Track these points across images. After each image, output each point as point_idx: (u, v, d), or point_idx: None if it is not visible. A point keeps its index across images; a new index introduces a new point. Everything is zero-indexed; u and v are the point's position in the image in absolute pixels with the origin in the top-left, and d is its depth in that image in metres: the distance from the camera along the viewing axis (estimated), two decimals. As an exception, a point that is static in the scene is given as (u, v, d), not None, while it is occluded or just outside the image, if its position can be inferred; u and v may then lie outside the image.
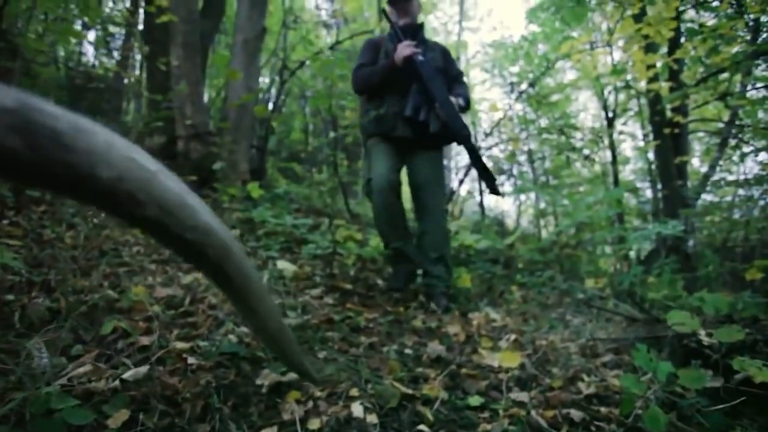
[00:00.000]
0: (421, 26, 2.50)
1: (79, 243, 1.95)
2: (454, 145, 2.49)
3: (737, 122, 7.04)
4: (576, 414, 1.22)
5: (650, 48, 5.87)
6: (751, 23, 6.18)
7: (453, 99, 2.34)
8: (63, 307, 1.34)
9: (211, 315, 1.56)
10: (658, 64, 6.36)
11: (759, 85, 6.58)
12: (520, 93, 6.89)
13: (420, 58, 2.27)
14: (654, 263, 3.53)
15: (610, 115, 9.98)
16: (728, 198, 7.41)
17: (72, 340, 1.24)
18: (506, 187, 9.77)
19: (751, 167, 8.36)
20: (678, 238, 4.66)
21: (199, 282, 1.85)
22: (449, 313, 2.19)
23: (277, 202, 4.01)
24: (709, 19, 7.69)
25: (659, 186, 7.07)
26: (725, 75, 6.38)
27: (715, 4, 7.26)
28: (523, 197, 11.04)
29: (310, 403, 1.16)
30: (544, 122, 10.29)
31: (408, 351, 1.62)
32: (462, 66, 14.05)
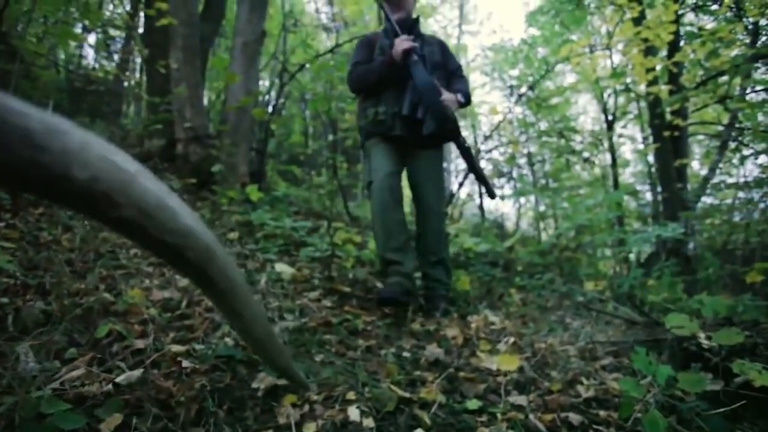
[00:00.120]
0: (416, 20, 2.44)
1: (75, 246, 1.94)
2: (454, 147, 2.44)
3: (737, 125, 7.03)
4: (575, 417, 1.21)
5: (650, 51, 5.88)
6: (750, 26, 6.19)
7: (452, 95, 2.28)
8: (58, 310, 1.33)
9: (207, 318, 1.55)
10: (658, 67, 6.37)
11: (758, 88, 6.58)
12: (520, 96, 6.89)
13: (414, 57, 2.20)
14: (654, 266, 3.51)
15: (610, 118, 9.99)
16: (728, 201, 7.40)
17: (66, 343, 1.23)
18: (506, 190, 9.77)
19: (751, 170, 8.37)
20: (678, 240, 4.65)
21: (196, 285, 1.84)
22: (448, 316, 2.18)
23: (277, 205, 4.01)
24: (708, 23, 7.71)
25: (659, 189, 7.07)
26: (725, 78, 6.39)
27: (714, 7, 7.28)
28: (522, 200, 11.04)
29: (306, 407, 1.14)
30: (543, 125, 10.30)
31: (406, 354, 1.61)
32: (466, 73, 14.03)
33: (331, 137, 5.70)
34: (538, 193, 7.56)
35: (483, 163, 9.90)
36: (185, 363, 1.19)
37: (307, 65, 5.30)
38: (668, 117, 6.40)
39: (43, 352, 1.08)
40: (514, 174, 9.87)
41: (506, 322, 2.16)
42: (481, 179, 2.40)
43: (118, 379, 1.04)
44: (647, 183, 10.36)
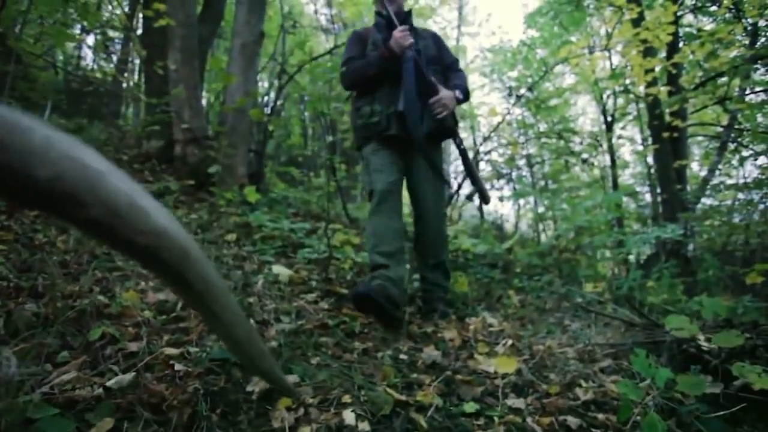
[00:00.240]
0: (408, 13, 2.36)
1: (70, 247, 1.93)
2: (454, 149, 2.41)
3: (736, 126, 7.03)
4: (573, 421, 1.20)
5: (648, 52, 5.88)
6: (749, 27, 6.19)
7: (449, 93, 2.20)
8: (51, 312, 1.32)
9: (202, 320, 1.53)
10: (657, 69, 6.37)
11: (758, 89, 6.58)
12: (519, 97, 6.88)
13: (410, 52, 2.12)
14: (653, 267, 3.50)
15: (609, 119, 9.99)
16: (728, 202, 7.40)
17: (59, 346, 1.21)
18: (505, 191, 9.76)
19: (750, 171, 8.36)
20: (677, 242, 4.64)
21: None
22: (446, 318, 2.16)
23: (275, 206, 4.00)
24: (708, 24, 7.71)
25: (658, 190, 7.06)
26: (724, 79, 6.38)
27: (713, 8, 7.28)
28: (522, 201, 11.03)
29: (301, 410, 1.13)
30: (543, 127, 10.30)
31: (403, 356, 1.60)
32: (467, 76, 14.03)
33: (330, 138, 5.69)
34: (537, 195, 7.55)
35: (482, 165, 9.90)
36: (178, 366, 1.17)
37: (306, 66, 5.29)
38: (667, 118, 6.40)
39: (30, 356, 1.06)
40: (513, 175, 9.86)
41: (504, 323, 2.15)
42: (476, 182, 2.35)
43: (109, 383, 1.02)
44: (646, 184, 10.35)
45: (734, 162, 8.35)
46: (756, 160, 7.48)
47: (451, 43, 13.86)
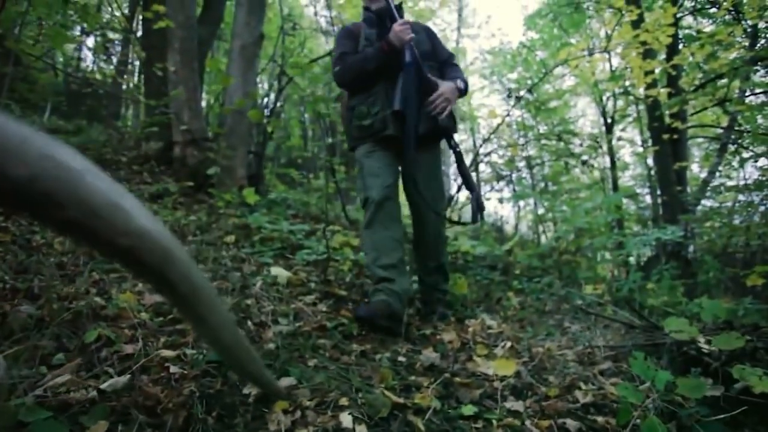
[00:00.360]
0: (399, 6, 2.22)
1: (67, 249, 1.92)
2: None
3: (736, 128, 7.03)
4: (572, 424, 1.19)
5: (648, 54, 5.88)
6: (749, 29, 6.19)
7: (450, 84, 2.10)
8: (46, 314, 1.31)
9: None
10: (657, 70, 6.37)
11: (758, 90, 6.58)
12: (518, 99, 6.88)
13: (410, 47, 2.02)
14: (653, 269, 3.49)
15: (609, 121, 9.99)
16: (728, 204, 7.39)
17: (54, 348, 1.21)
18: (505, 193, 9.76)
19: (750, 173, 8.35)
20: (678, 243, 4.63)
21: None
22: (445, 320, 2.15)
23: (274, 208, 3.99)
24: (707, 26, 7.72)
25: (658, 192, 7.05)
26: (724, 81, 6.38)
27: (712, 10, 7.28)
28: (522, 203, 11.03)
29: (298, 413, 1.12)
30: (542, 128, 10.30)
31: (401, 359, 1.59)
32: (464, 74, 14.06)
33: (329, 140, 5.69)
34: (537, 197, 7.54)
35: (482, 166, 9.90)
36: (174, 368, 1.16)
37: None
38: (667, 120, 6.39)
39: (24, 359, 1.05)
40: (513, 177, 9.85)
41: (504, 326, 2.14)
42: (471, 189, 2.20)
43: (103, 386, 1.01)
44: (647, 186, 10.35)
45: (734, 163, 8.35)
46: (756, 161, 7.47)
47: (450, 45, 13.87)
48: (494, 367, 1.49)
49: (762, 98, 6.88)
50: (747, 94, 6.67)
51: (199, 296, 0.43)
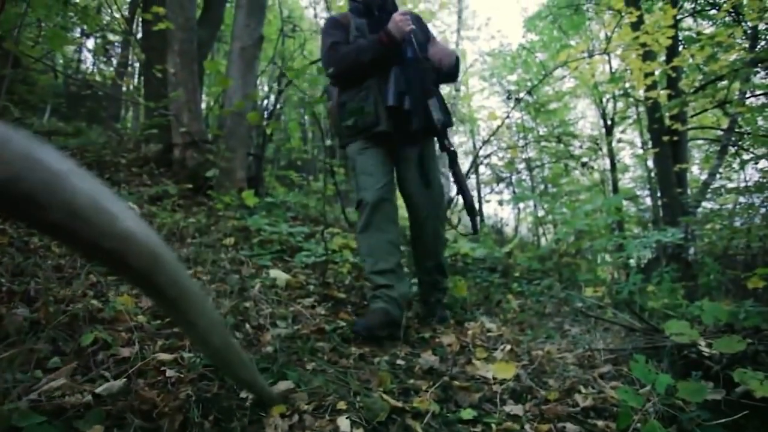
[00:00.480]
0: None
1: (65, 251, 1.91)
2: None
3: (737, 129, 7.02)
4: (572, 428, 1.18)
5: (648, 56, 5.87)
6: (749, 31, 6.19)
7: (444, 47, 2.03)
8: (43, 317, 1.30)
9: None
10: (657, 72, 6.37)
11: (758, 92, 6.58)
12: (518, 100, 6.88)
13: (410, 39, 1.95)
14: (654, 272, 3.48)
15: (609, 122, 9.99)
16: (729, 206, 7.38)
17: (50, 352, 1.20)
18: (505, 195, 9.75)
19: (751, 174, 8.35)
20: (678, 246, 4.62)
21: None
22: (444, 323, 2.14)
23: (274, 210, 3.98)
24: (707, 27, 7.72)
25: (659, 194, 7.05)
26: (724, 82, 6.38)
27: (712, 12, 7.28)
28: (521, 205, 11.02)
29: (296, 417, 1.11)
30: (542, 130, 10.30)
31: (400, 362, 1.58)
32: (460, 75, 14.08)
33: (329, 142, 5.68)
34: (537, 199, 7.53)
35: (482, 168, 9.89)
36: (170, 372, 1.15)
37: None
38: (667, 122, 6.39)
39: (19, 362, 1.05)
40: (513, 179, 9.85)
41: (503, 328, 2.13)
42: (464, 194, 2.08)
43: (98, 390, 1.00)
44: (647, 188, 10.34)
45: (735, 165, 8.35)
46: (757, 163, 7.48)
47: (450, 48, 13.87)
48: (493, 370, 1.48)
49: (762, 100, 6.88)
50: (747, 95, 6.67)
51: (188, 300, 0.42)
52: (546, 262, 4.03)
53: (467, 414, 1.21)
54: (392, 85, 1.95)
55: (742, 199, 7.07)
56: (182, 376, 1.17)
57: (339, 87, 2.13)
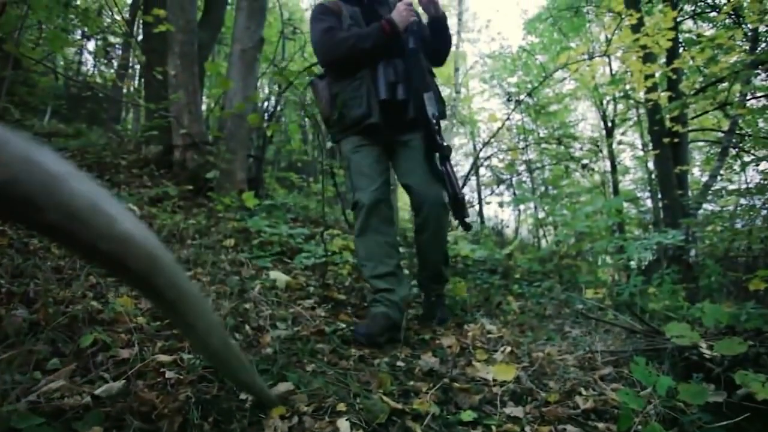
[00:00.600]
0: None
1: (65, 253, 1.91)
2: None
3: (737, 131, 7.02)
4: (572, 430, 1.17)
5: (648, 58, 5.88)
6: (749, 33, 6.19)
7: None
8: (42, 318, 1.30)
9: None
10: (657, 74, 6.37)
11: (759, 94, 6.58)
12: (518, 102, 6.89)
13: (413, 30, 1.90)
14: (655, 274, 3.48)
15: (609, 124, 9.99)
16: (730, 207, 7.37)
17: (49, 353, 1.19)
18: (505, 197, 9.75)
19: (752, 176, 8.35)
20: (679, 248, 4.61)
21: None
22: (444, 324, 2.14)
23: (274, 212, 3.98)
24: (707, 29, 7.73)
25: (659, 195, 7.05)
26: (724, 84, 6.38)
27: (712, 14, 7.29)
28: (522, 207, 11.02)
29: (295, 419, 1.11)
30: (543, 132, 10.31)
31: (400, 363, 1.57)
32: (461, 77, 14.12)
33: (329, 144, 5.68)
34: (538, 200, 7.53)
35: (482, 170, 9.89)
36: (170, 374, 1.15)
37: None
38: (668, 123, 6.39)
39: (17, 363, 1.04)
40: (514, 181, 9.85)
41: (504, 330, 2.12)
42: (456, 195, 1.97)
43: (98, 391, 1.00)
44: (647, 190, 10.34)
45: (736, 167, 8.35)
46: (758, 165, 7.47)
47: (450, 49, 13.88)
48: (494, 372, 1.47)
49: (763, 102, 6.88)
50: (748, 97, 6.68)
51: (187, 302, 0.42)
52: (546, 264, 4.02)
53: (467, 416, 1.20)
54: (381, 77, 1.90)
55: (743, 201, 7.07)
56: (182, 377, 1.16)
57: (331, 77, 2.04)
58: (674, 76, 6.35)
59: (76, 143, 4.70)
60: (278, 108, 6.93)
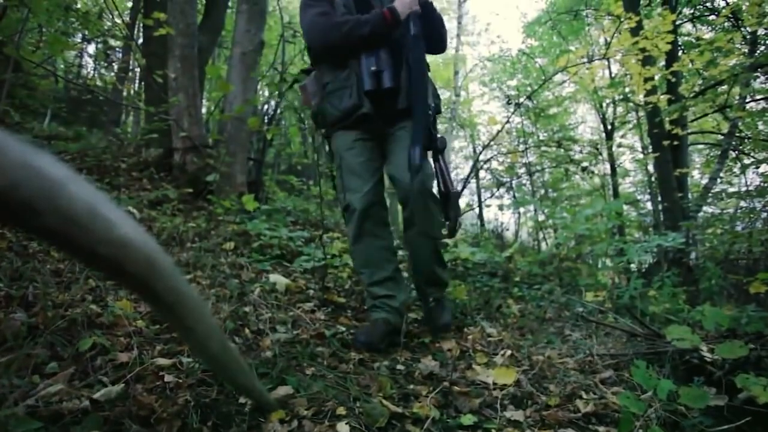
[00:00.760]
0: None
1: (64, 256, 1.90)
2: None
3: (737, 134, 7.03)
4: (573, 434, 1.17)
5: (647, 61, 5.89)
6: (748, 36, 6.20)
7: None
8: (41, 322, 1.29)
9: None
10: (656, 77, 6.38)
11: (758, 97, 6.59)
12: (518, 105, 6.89)
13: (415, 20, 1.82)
14: (655, 276, 3.47)
15: (609, 127, 10.00)
16: (730, 210, 7.37)
17: (48, 357, 1.19)
18: (505, 199, 9.75)
19: (752, 179, 8.35)
20: (679, 250, 4.60)
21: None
22: (444, 332, 2.11)
23: (274, 215, 3.98)
24: (706, 33, 7.74)
25: (659, 198, 7.04)
26: (724, 87, 6.39)
27: (711, 17, 7.31)
28: (522, 209, 11.02)
29: (295, 423, 1.11)
30: (542, 135, 10.32)
31: (400, 367, 1.57)
32: (460, 80, 14.15)
33: (328, 148, 5.67)
34: (537, 203, 7.53)
35: (482, 173, 9.89)
36: (168, 377, 1.15)
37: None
38: (667, 126, 6.40)
39: (15, 367, 1.04)
40: (513, 184, 9.85)
41: (504, 333, 2.12)
42: (447, 194, 1.88)
43: (96, 395, 1.00)
44: (647, 192, 10.34)
45: (736, 170, 8.35)
46: (758, 168, 7.48)
47: (450, 53, 13.93)
48: (494, 375, 1.47)
49: (762, 104, 6.89)
50: (747, 100, 6.69)
51: (186, 306, 0.41)
52: (546, 267, 4.02)
53: (467, 420, 1.20)
54: (364, 67, 1.82)
55: (743, 204, 7.06)
56: (181, 381, 1.16)
57: (322, 64, 1.96)
58: (673, 79, 6.36)
59: (76, 146, 4.70)
60: (278, 111, 6.94)
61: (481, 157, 7.82)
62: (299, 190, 7.15)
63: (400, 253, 3.03)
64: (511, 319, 2.51)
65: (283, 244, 3.11)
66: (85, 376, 1.14)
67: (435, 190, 1.90)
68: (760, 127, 8.29)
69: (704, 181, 8.16)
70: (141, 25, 6.68)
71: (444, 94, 13.50)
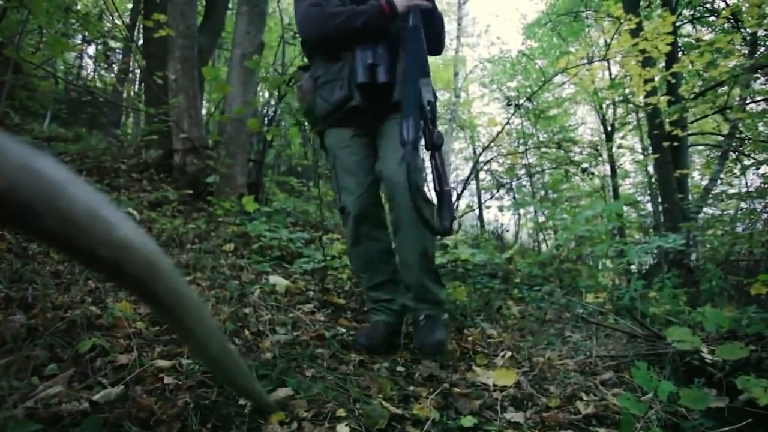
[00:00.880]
0: None
1: (64, 258, 1.90)
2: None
3: (737, 135, 7.03)
4: (573, 436, 1.16)
5: (647, 62, 5.89)
6: (748, 37, 6.21)
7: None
8: (40, 323, 1.29)
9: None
10: (656, 78, 6.38)
11: (758, 98, 6.59)
12: (518, 107, 6.90)
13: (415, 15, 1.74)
14: (655, 278, 3.47)
15: (609, 128, 10.01)
16: (730, 211, 7.37)
17: (47, 358, 1.19)
18: (505, 201, 9.75)
19: (752, 180, 8.35)
20: (680, 251, 4.60)
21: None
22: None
23: (274, 216, 3.98)
24: (706, 34, 7.75)
25: (660, 199, 7.04)
26: (724, 88, 6.40)
27: (711, 19, 7.31)
28: (522, 211, 11.02)
29: (295, 425, 1.10)
30: (542, 136, 10.32)
31: (400, 368, 1.57)
32: (460, 81, 14.16)
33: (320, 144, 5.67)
34: (537, 205, 7.53)
35: (482, 174, 9.89)
36: (168, 379, 1.14)
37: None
38: (668, 127, 6.40)
39: (15, 369, 1.04)
40: (513, 185, 9.85)
41: (504, 335, 2.11)
42: (441, 194, 1.68)
43: (96, 397, 1.00)
44: (647, 194, 10.34)
45: (736, 171, 8.35)
46: (758, 169, 7.48)
47: (450, 54, 13.95)
48: (494, 377, 1.47)
49: (762, 105, 6.89)
50: (747, 101, 6.69)
51: (186, 308, 0.41)
52: (547, 268, 4.01)
53: (468, 421, 1.20)
54: (359, 60, 1.75)
55: (743, 205, 7.07)
56: (180, 383, 1.16)
57: (316, 57, 1.91)
58: (673, 80, 6.36)
59: (75, 147, 4.71)
60: (278, 112, 6.94)
61: (481, 159, 7.83)
62: (299, 191, 7.15)
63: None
64: (511, 320, 2.50)
65: (283, 245, 3.11)
66: (85, 378, 1.14)
67: (430, 187, 1.78)
68: (761, 128, 8.30)
69: (704, 183, 8.16)
70: (141, 26, 6.68)
71: (444, 96, 13.51)
